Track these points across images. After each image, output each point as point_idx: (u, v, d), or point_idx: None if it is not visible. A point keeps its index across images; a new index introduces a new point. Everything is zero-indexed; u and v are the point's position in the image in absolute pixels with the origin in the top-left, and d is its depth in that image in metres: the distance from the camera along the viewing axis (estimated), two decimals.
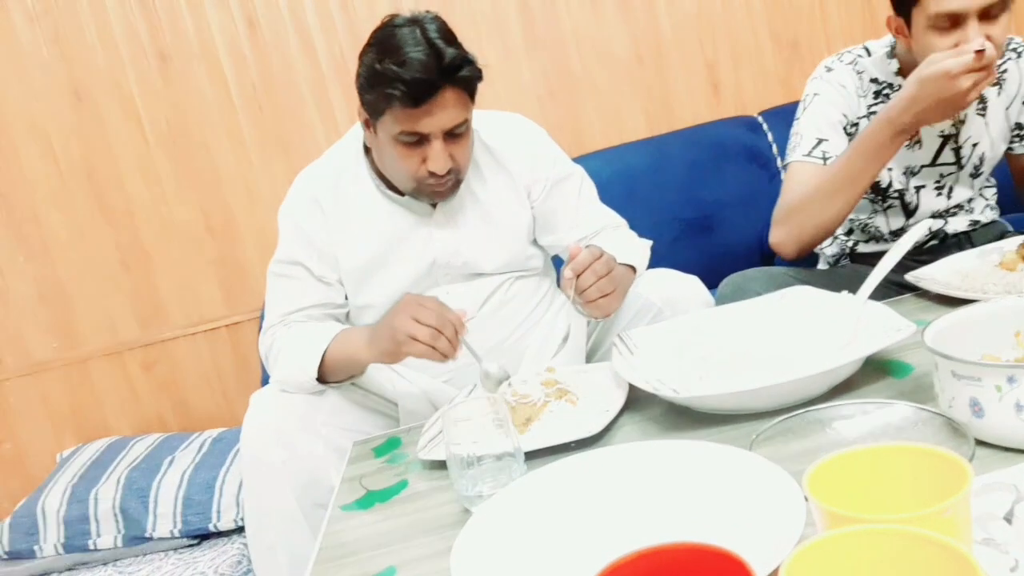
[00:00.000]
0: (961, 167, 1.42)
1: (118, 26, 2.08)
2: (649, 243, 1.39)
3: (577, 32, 2.18)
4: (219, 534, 1.83)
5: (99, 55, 2.09)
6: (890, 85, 1.40)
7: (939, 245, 1.45)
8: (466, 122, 1.19)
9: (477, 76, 1.18)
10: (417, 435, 1.09)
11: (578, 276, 1.09)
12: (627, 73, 2.21)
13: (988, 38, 1.16)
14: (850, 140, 1.35)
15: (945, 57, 1.14)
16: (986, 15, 1.20)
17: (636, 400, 1.04)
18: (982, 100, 1.40)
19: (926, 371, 0.81)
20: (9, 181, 2.13)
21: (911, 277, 1.23)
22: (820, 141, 1.37)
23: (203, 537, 1.84)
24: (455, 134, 1.19)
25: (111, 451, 2.03)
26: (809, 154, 1.36)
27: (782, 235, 1.36)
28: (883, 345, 0.93)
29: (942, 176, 1.44)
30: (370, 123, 1.22)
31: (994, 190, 1.52)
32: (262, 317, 1.97)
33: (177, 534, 1.81)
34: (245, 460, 1.19)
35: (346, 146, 1.34)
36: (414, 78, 1.11)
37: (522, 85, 2.16)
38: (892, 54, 1.39)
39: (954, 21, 1.20)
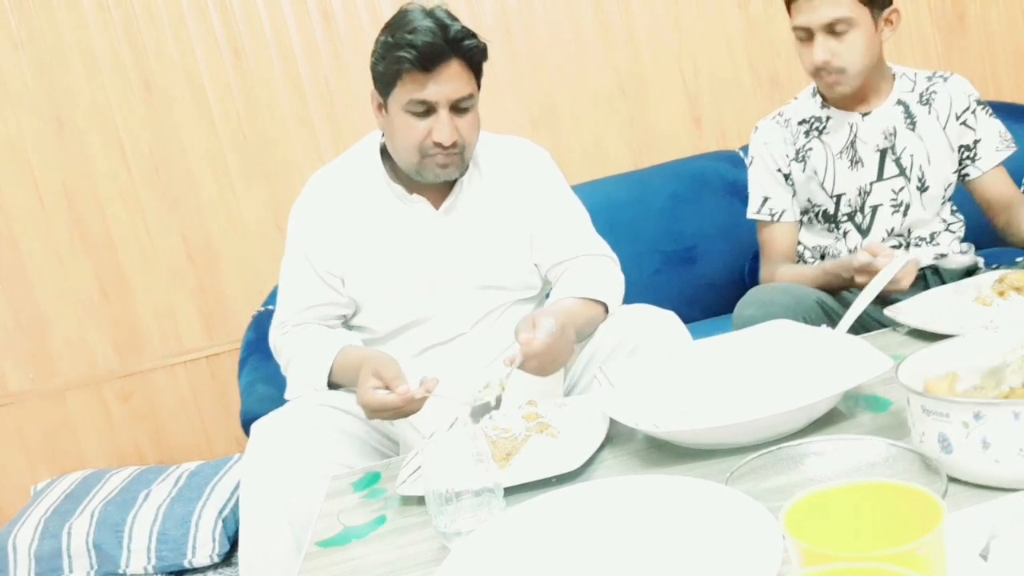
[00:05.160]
0: (907, 179, 1.50)
1: (103, 53, 2.09)
2: (622, 278, 1.41)
3: (560, 65, 2.21)
4: (194, 570, 1.80)
5: (83, 82, 2.10)
6: (818, 119, 1.54)
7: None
8: (472, 97, 1.27)
9: (482, 50, 1.27)
10: (397, 470, 1.08)
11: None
12: (610, 106, 2.24)
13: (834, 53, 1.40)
14: (789, 180, 1.55)
15: (864, 259, 1.29)
16: (832, 32, 1.40)
17: (617, 434, 1.04)
18: (910, 116, 1.51)
19: (904, 406, 0.82)
20: None
21: (889, 312, 1.25)
22: (765, 200, 1.58)
23: (178, 573, 1.81)
24: (461, 108, 1.26)
25: (86, 484, 2.00)
26: (759, 212, 1.59)
27: None
28: (861, 380, 0.94)
29: (895, 192, 1.50)
30: (382, 105, 1.29)
31: (961, 223, 1.56)
32: (243, 348, 1.97)
33: (151, 570, 1.78)
34: (245, 495, 1.17)
35: (361, 150, 1.40)
36: (424, 42, 1.20)
37: (506, 117, 2.18)
38: (816, 92, 1.55)
39: (806, 33, 1.41)
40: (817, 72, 1.44)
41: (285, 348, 1.36)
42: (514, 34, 2.19)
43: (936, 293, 1.31)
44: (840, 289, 1.44)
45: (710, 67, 2.25)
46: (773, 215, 1.57)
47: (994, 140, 1.51)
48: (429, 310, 1.34)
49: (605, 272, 1.39)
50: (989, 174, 1.52)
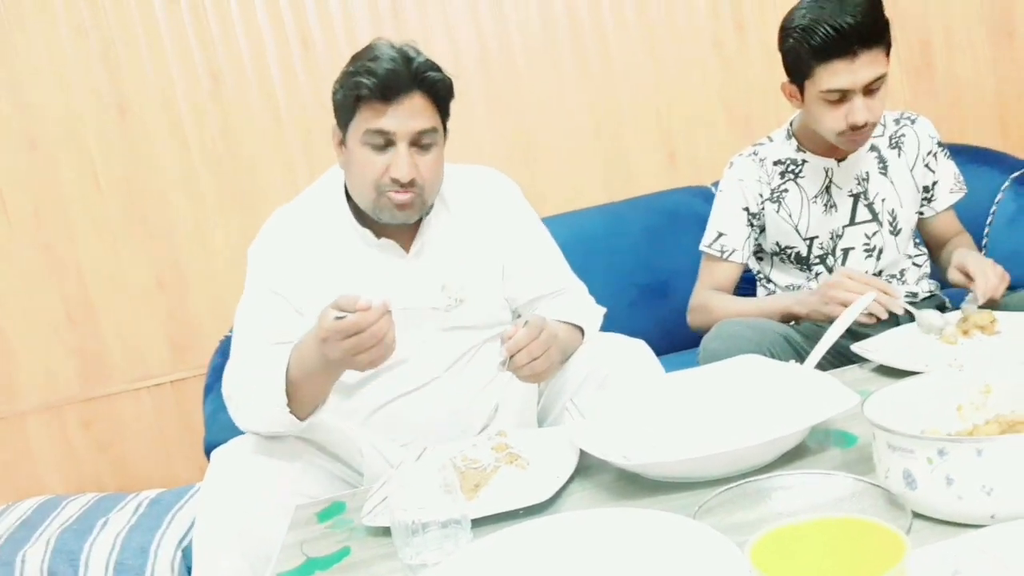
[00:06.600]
0: (880, 223, 1.52)
1: (77, 75, 2.08)
2: (603, 310, 1.40)
3: (538, 98, 2.24)
4: None
5: (55, 103, 2.08)
6: (793, 161, 1.54)
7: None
8: (435, 132, 1.21)
9: (447, 85, 1.21)
10: (363, 500, 1.06)
11: (511, 356, 1.11)
12: (585, 140, 2.26)
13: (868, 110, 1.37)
14: (753, 221, 1.56)
15: (844, 287, 1.32)
16: (868, 91, 1.36)
17: (587, 466, 1.04)
18: (882, 160, 1.53)
19: (870, 441, 0.82)
20: None
21: (856, 348, 1.26)
22: (720, 235, 1.58)
23: None
24: (422, 145, 1.20)
25: (43, 510, 1.94)
26: (710, 246, 1.59)
27: (695, 323, 1.60)
28: (828, 415, 0.94)
29: (867, 236, 1.53)
30: (342, 140, 1.23)
31: (926, 258, 1.59)
32: (209, 373, 1.93)
33: None
34: (199, 525, 1.13)
35: (322, 188, 1.33)
36: (385, 70, 1.16)
37: (482, 149, 2.19)
38: (791, 134, 1.54)
39: (842, 95, 1.36)
40: (853, 130, 1.39)
41: (236, 391, 1.18)
42: (493, 68, 2.21)
43: (903, 331, 1.33)
44: (789, 320, 1.46)
45: (685, 104, 2.29)
46: (723, 252, 1.57)
47: (949, 182, 1.55)
48: (400, 356, 1.24)
49: (582, 301, 1.39)
50: (940, 215, 1.56)
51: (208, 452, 1.56)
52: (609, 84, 2.26)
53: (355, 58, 1.22)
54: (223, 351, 1.95)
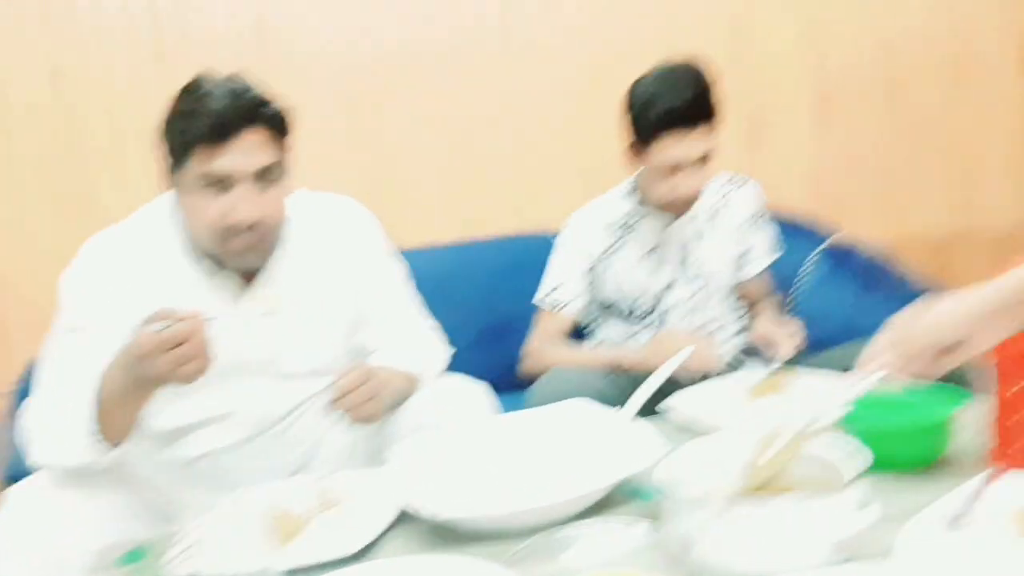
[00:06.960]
0: (701, 282, 1.64)
1: None
2: (450, 351, 1.41)
3: (398, 135, 2.25)
4: None
5: None
6: (633, 215, 1.64)
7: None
8: (277, 167, 1.14)
9: (283, 115, 1.15)
10: (168, 545, 1.01)
11: (339, 399, 1.12)
12: (442, 179, 2.30)
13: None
14: (588, 277, 1.63)
15: (669, 342, 1.45)
16: (696, 161, 1.47)
17: (407, 512, 1.04)
18: (709, 222, 1.65)
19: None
20: None
21: (663, 405, 1.31)
22: (555, 288, 1.65)
23: None
24: (264, 181, 1.12)
25: None
26: (545, 299, 1.66)
27: (526, 370, 1.65)
28: (636, 470, 1.00)
29: (689, 296, 1.65)
30: (173, 181, 1.15)
31: (744, 311, 1.73)
32: (17, 394, 1.77)
33: None
34: None
35: (152, 214, 1.23)
36: (216, 109, 1.08)
37: (340, 180, 2.16)
38: (635, 188, 1.63)
39: (674, 166, 1.47)
40: (685, 201, 1.51)
41: (36, 421, 1.10)
42: (352, 95, 2.20)
43: (712, 385, 1.44)
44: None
45: (536, 154, 2.37)
46: (557, 305, 1.65)
47: (766, 246, 1.71)
48: (227, 406, 1.21)
49: (426, 345, 1.39)
50: (754, 278, 1.71)
51: (12, 483, 1.42)
52: (467, 124, 2.30)
53: (181, 96, 1.14)
54: (32, 371, 1.80)
